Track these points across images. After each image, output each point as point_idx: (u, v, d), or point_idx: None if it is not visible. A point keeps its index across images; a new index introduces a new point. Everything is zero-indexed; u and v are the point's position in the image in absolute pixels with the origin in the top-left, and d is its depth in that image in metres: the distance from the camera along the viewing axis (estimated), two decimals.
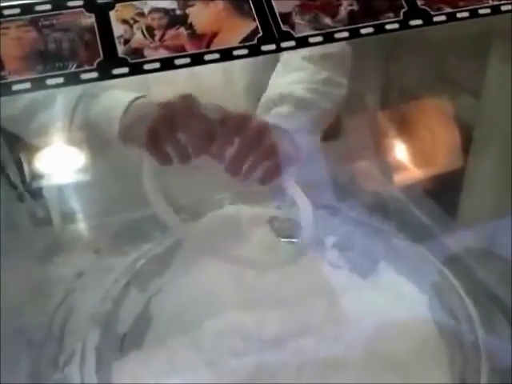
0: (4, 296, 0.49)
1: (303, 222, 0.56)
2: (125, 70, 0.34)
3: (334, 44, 0.65)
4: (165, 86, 0.65)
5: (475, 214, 0.65)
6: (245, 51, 0.36)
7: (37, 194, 0.68)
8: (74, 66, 0.34)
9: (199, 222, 0.64)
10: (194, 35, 0.36)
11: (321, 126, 0.65)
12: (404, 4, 0.41)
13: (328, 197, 0.63)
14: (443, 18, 0.41)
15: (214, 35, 0.36)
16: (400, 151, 0.71)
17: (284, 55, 0.67)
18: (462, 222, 0.66)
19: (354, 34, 0.39)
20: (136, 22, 0.36)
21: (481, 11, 0.42)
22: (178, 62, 0.35)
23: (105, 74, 0.34)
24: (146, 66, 0.35)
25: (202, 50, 0.36)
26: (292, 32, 0.38)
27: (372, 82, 0.77)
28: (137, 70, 0.34)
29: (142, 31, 0.35)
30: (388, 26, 0.40)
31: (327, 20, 0.39)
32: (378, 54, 0.76)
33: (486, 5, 0.42)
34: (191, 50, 0.35)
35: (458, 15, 0.41)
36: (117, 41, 0.35)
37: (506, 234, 0.55)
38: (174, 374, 0.48)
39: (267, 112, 0.61)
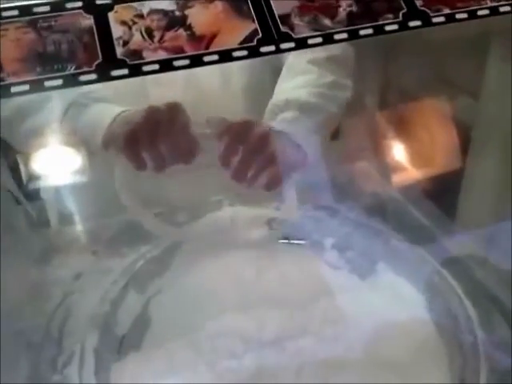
0: (2, 298, 0.49)
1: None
2: (124, 71, 0.34)
3: (337, 46, 0.66)
4: (163, 88, 0.65)
5: (474, 214, 0.66)
6: (244, 53, 0.36)
7: (34, 196, 0.68)
8: (73, 67, 0.34)
9: (198, 224, 0.64)
10: (193, 37, 0.36)
11: (327, 129, 0.65)
12: (403, 5, 0.41)
13: (327, 198, 0.63)
14: (442, 19, 0.41)
15: (214, 36, 0.36)
16: (399, 152, 0.71)
17: (289, 59, 0.67)
18: (460, 222, 0.67)
19: (354, 35, 0.39)
20: (135, 23, 0.36)
21: (479, 12, 0.42)
22: (177, 63, 0.35)
23: (104, 75, 0.34)
24: (145, 68, 0.35)
25: (201, 52, 0.36)
26: (291, 33, 0.37)
27: (371, 83, 0.78)
28: (136, 71, 0.34)
29: (141, 33, 0.35)
30: (387, 27, 0.40)
31: (326, 21, 0.39)
32: (376, 55, 0.76)
33: (485, 6, 0.42)
34: (190, 52, 0.35)
35: (457, 16, 0.41)
36: (116, 42, 0.35)
37: (505, 235, 0.55)
38: (173, 376, 0.48)
39: (274, 118, 0.61)
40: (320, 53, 0.65)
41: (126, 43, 0.35)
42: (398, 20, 0.40)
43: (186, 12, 0.37)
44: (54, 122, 0.58)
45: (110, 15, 0.36)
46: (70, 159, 0.59)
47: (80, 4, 0.35)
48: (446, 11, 0.41)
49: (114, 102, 0.60)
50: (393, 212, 0.66)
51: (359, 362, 0.49)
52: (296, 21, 0.38)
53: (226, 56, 0.36)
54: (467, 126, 0.66)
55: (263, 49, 0.37)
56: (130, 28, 0.35)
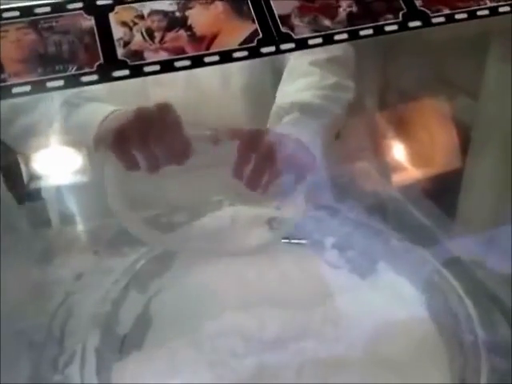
0: (4, 298, 0.49)
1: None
2: (125, 72, 0.34)
3: (338, 46, 0.66)
4: (162, 88, 0.65)
5: (474, 214, 0.66)
6: (245, 53, 0.36)
7: (35, 196, 0.68)
8: (74, 68, 0.34)
9: (199, 224, 0.64)
10: (194, 37, 0.36)
11: (333, 131, 0.65)
12: (403, 6, 0.41)
13: (327, 197, 0.63)
14: (442, 19, 0.41)
15: (214, 37, 0.36)
16: (399, 152, 0.71)
17: (290, 61, 0.67)
18: (460, 222, 0.67)
19: (354, 35, 0.39)
20: (135, 24, 0.36)
21: (479, 13, 0.42)
22: (177, 64, 0.35)
23: (105, 76, 0.34)
24: (146, 69, 0.35)
25: (201, 52, 0.36)
26: (292, 34, 0.38)
27: (371, 84, 0.78)
28: (137, 72, 0.34)
29: (142, 33, 0.35)
30: (387, 28, 0.40)
31: (326, 22, 0.39)
32: (376, 55, 0.76)
33: (484, 6, 0.42)
34: (191, 53, 0.35)
35: (457, 16, 0.41)
36: (116, 43, 0.35)
37: (505, 235, 0.55)
38: (174, 375, 0.48)
39: (279, 120, 0.61)
40: (321, 54, 0.65)
41: (126, 44, 0.35)
42: (397, 20, 0.40)
43: (187, 13, 0.37)
44: (46, 122, 0.58)
45: (111, 16, 0.36)
46: (66, 159, 0.59)
47: (81, 5, 0.36)
48: (446, 11, 0.41)
49: (106, 101, 0.60)
50: (393, 212, 0.67)
51: (359, 362, 0.49)
52: (296, 21, 0.38)
53: (226, 57, 0.36)
54: (467, 126, 0.66)
55: (263, 49, 0.37)
56: (130, 29, 0.35)
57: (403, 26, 0.40)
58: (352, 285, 0.59)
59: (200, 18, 0.37)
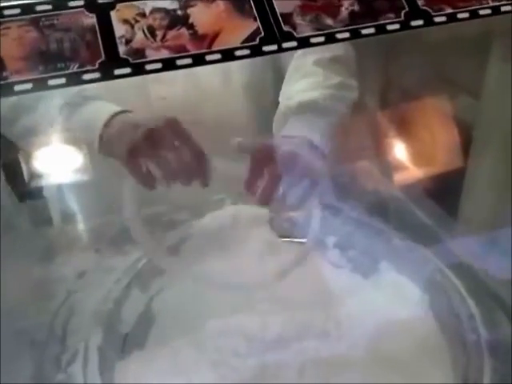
0: (6, 296, 0.49)
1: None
2: (127, 70, 0.34)
3: (340, 46, 0.65)
4: (163, 86, 0.65)
5: (475, 213, 0.65)
6: (246, 51, 0.36)
7: (37, 195, 0.68)
8: (76, 66, 0.34)
9: (200, 222, 0.64)
10: (196, 35, 0.36)
11: (338, 130, 0.65)
12: (405, 4, 0.41)
13: (329, 197, 0.63)
14: (444, 18, 0.41)
15: (216, 35, 0.36)
16: (400, 151, 0.71)
17: (293, 61, 0.67)
18: (462, 221, 0.66)
19: (355, 34, 0.39)
20: (137, 22, 0.36)
21: (481, 12, 0.42)
22: (179, 62, 0.35)
23: (107, 74, 0.34)
24: (148, 67, 0.35)
25: (203, 51, 0.36)
26: (293, 32, 0.38)
27: (372, 82, 0.77)
28: (138, 70, 0.34)
29: (144, 31, 0.36)
30: (389, 27, 0.40)
31: (328, 20, 0.39)
32: (377, 54, 0.76)
33: (486, 5, 0.42)
34: (193, 51, 0.35)
35: (459, 16, 0.41)
36: (118, 41, 0.35)
37: (507, 234, 0.55)
38: (176, 374, 0.48)
39: (286, 121, 0.61)
40: (324, 54, 0.65)
41: (128, 42, 0.35)
42: (399, 19, 0.40)
43: (188, 11, 0.37)
44: (48, 121, 0.58)
45: (113, 14, 0.36)
46: (67, 158, 0.59)
47: (82, 2, 0.36)
48: (448, 11, 0.41)
49: (108, 100, 0.60)
50: (395, 211, 0.66)
51: (362, 361, 0.49)
52: (298, 20, 0.38)
53: (228, 55, 0.36)
54: (468, 126, 0.66)
55: (265, 48, 0.37)
56: (132, 27, 0.35)
57: (405, 25, 0.40)
58: (354, 284, 0.59)
59: (202, 16, 0.37)
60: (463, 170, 0.67)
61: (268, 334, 0.51)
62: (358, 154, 0.74)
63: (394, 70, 0.76)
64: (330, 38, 0.39)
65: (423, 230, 0.63)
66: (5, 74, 0.32)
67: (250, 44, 0.37)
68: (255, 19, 0.37)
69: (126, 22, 0.35)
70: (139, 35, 0.35)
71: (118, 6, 0.36)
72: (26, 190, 0.64)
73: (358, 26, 0.39)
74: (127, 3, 0.36)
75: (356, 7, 0.40)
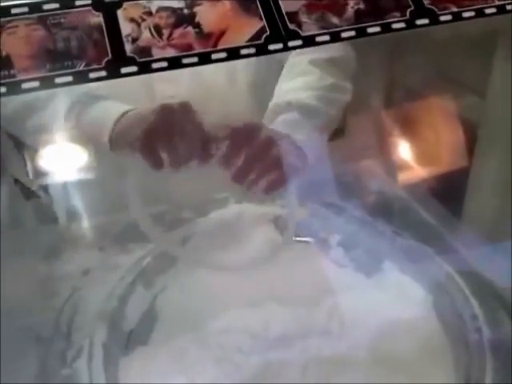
0: (12, 293, 0.49)
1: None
2: (133, 68, 0.34)
3: (339, 48, 0.65)
4: (169, 85, 0.65)
5: (480, 213, 0.65)
6: (252, 50, 0.36)
7: (42, 193, 0.68)
8: (83, 64, 0.34)
9: (204, 221, 0.64)
10: (202, 34, 0.36)
11: (326, 132, 0.65)
12: (410, 3, 0.41)
13: (333, 196, 0.63)
14: (449, 17, 0.41)
15: (222, 34, 0.36)
16: (404, 151, 0.71)
17: (290, 59, 0.67)
18: (466, 221, 0.66)
19: (361, 33, 0.39)
20: (144, 20, 0.36)
21: (487, 11, 0.42)
22: (185, 60, 0.35)
23: (113, 72, 0.34)
24: (154, 65, 0.35)
25: (209, 49, 0.36)
26: (299, 31, 0.38)
27: (377, 81, 0.77)
28: (145, 68, 0.35)
29: (150, 30, 0.36)
30: (394, 25, 0.40)
31: (334, 19, 0.39)
32: (382, 53, 0.76)
33: (492, 4, 0.42)
34: (199, 49, 0.36)
35: (464, 15, 0.41)
36: (125, 39, 0.35)
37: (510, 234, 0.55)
38: (180, 371, 0.49)
39: (274, 118, 0.61)
40: (321, 54, 0.65)
41: (134, 40, 0.35)
42: (405, 18, 0.40)
43: (195, 9, 0.37)
44: (58, 120, 0.58)
45: (119, 12, 0.36)
46: (76, 156, 0.60)
47: (89, 1, 0.36)
48: (454, 9, 0.41)
49: (115, 99, 0.60)
50: (399, 210, 0.66)
51: (364, 360, 0.49)
52: (304, 19, 0.38)
53: (233, 53, 0.36)
54: (473, 125, 0.66)
55: (271, 46, 0.37)
56: (138, 25, 0.36)
57: (411, 24, 0.40)
58: (357, 283, 0.59)
59: (208, 14, 0.37)
60: (468, 170, 0.67)
61: (271, 332, 0.51)
62: (363, 153, 0.74)
63: (398, 69, 0.76)
64: (336, 37, 0.39)
65: (427, 229, 0.63)
66: (12, 72, 0.33)
67: (256, 43, 0.37)
68: (261, 18, 0.38)
69: (132, 20, 0.36)
70: (145, 34, 0.35)
71: (125, 4, 0.36)
72: (31, 188, 0.65)
73: (363, 25, 0.39)
74: (134, 2, 0.36)
75: (362, 6, 0.40)
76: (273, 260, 0.58)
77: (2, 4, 0.34)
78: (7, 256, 0.52)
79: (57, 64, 0.34)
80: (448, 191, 0.67)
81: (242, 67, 0.69)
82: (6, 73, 0.33)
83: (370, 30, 0.39)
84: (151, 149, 0.52)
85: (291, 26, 0.38)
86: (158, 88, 0.66)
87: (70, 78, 0.33)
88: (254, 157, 0.54)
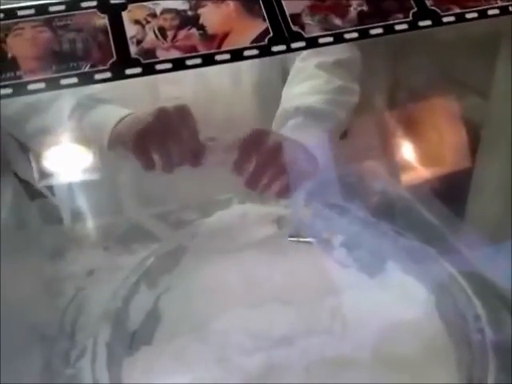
0: (16, 293, 0.50)
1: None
2: (137, 70, 0.35)
3: (345, 49, 0.66)
4: (173, 87, 0.66)
5: (483, 214, 0.65)
6: (255, 52, 0.37)
7: (47, 193, 0.69)
8: (88, 66, 0.34)
9: (208, 221, 0.64)
10: (206, 36, 0.36)
11: (336, 135, 0.65)
12: (413, 5, 0.41)
13: (336, 196, 0.63)
14: (452, 18, 0.41)
15: (225, 36, 0.37)
16: (408, 151, 0.71)
17: (296, 64, 0.67)
18: (469, 222, 0.66)
19: (364, 34, 0.39)
20: (148, 22, 0.36)
21: (490, 12, 0.42)
22: (189, 62, 0.36)
23: (118, 74, 0.34)
24: (158, 67, 0.35)
25: (213, 51, 0.36)
26: (302, 32, 0.38)
27: (380, 82, 0.78)
28: (149, 70, 0.35)
29: (155, 32, 0.36)
30: (397, 27, 0.40)
31: (337, 21, 0.39)
32: (386, 54, 0.76)
33: (495, 5, 0.42)
34: (203, 51, 0.36)
35: (467, 16, 0.41)
36: (129, 41, 0.35)
37: None
38: (183, 371, 0.49)
39: (284, 123, 0.62)
40: (327, 57, 0.65)
41: (139, 42, 0.35)
42: (408, 19, 0.40)
43: (199, 11, 0.37)
44: (61, 123, 0.58)
45: (124, 14, 0.36)
46: (80, 158, 0.60)
47: (95, 3, 0.36)
48: (456, 11, 0.41)
49: (118, 101, 0.61)
50: (402, 211, 0.67)
51: (367, 360, 0.49)
52: (307, 20, 0.38)
53: (237, 55, 0.36)
54: (476, 126, 0.66)
55: (274, 48, 0.37)
56: (143, 27, 0.36)
57: (413, 25, 0.40)
58: (360, 284, 0.59)
59: (212, 16, 0.37)
60: (471, 171, 0.67)
61: (274, 333, 0.51)
62: (366, 153, 0.74)
63: (402, 70, 0.76)
64: (339, 38, 0.39)
65: (430, 230, 0.63)
66: (18, 73, 0.33)
67: (259, 44, 0.37)
68: (264, 19, 0.38)
69: (137, 22, 0.36)
70: (150, 36, 0.36)
71: (130, 6, 0.36)
72: (37, 189, 0.65)
73: (366, 27, 0.39)
74: (139, 4, 0.36)
75: (365, 7, 0.40)
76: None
77: (9, 6, 0.35)
78: (12, 256, 0.52)
79: (62, 65, 0.34)
80: (451, 192, 0.67)
81: (246, 69, 0.70)
82: (12, 74, 0.33)
83: (372, 32, 0.39)
84: (143, 150, 0.53)
85: (294, 28, 0.38)
86: (162, 90, 0.66)
87: (75, 80, 0.34)
88: (266, 162, 0.54)
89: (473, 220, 0.65)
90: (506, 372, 0.46)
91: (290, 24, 0.38)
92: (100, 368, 0.47)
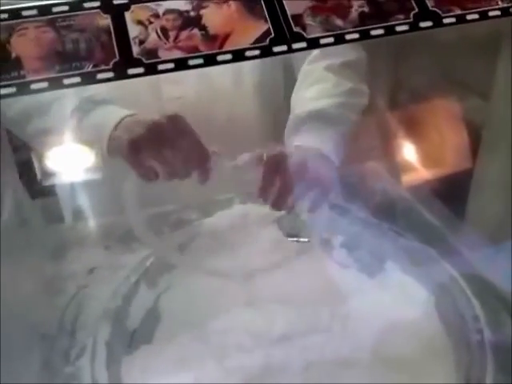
0: (17, 291, 0.50)
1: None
2: (140, 70, 0.35)
3: (351, 50, 0.66)
4: (176, 86, 0.66)
5: (483, 215, 0.65)
6: (257, 52, 0.37)
7: (49, 192, 0.69)
8: (91, 65, 0.34)
9: (209, 221, 0.64)
10: (208, 36, 0.37)
11: (349, 137, 0.65)
12: (414, 6, 0.41)
13: (337, 197, 0.63)
14: (453, 19, 0.41)
15: (227, 36, 0.37)
16: (409, 152, 0.71)
17: (304, 67, 0.67)
18: (469, 223, 0.66)
19: (365, 35, 0.39)
20: (151, 23, 0.36)
21: (490, 13, 0.42)
22: (191, 62, 0.36)
23: (120, 73, 0.34)
24: (161, 67, 0.35)
25: (215, 51, 0.36)
26: (303, 33, 0.38)
27: (381, 83, 0.78)
28: (151, 70, 0.35)
29: (157, 32, 0.36)
30: (398, 28, 0.40)
31: (338, 21, 0.39)
32: (387, 55, 0.76)
33: (496, 7, 0.42)
34: (204, 51, 0.36)
35: (468, 17, 0.42)
36: (132, 41, 0.35)
37: None
38: (182, 370, 0.49)
39: (297, 130, 0.62)
40: (335, 59, 0.65)
41: (142, 42, 0.35)
42: (409, 20, 0.40)
43: (201, 12, 0.37)
44: (60, 124, 0.58)
45: (127, 15, 0.36)
46: (79, 158, 0.60)
47: (98, 4, 0.36)
48: (457, 12, 0.41)
49: (119, 101, 0.61)
50: (402, 211, 0.67)
51: (366, 360, 0.49)
52: (308, 21, 0.39)
53: (239, 55, 0.37)
54: (477, 127, 0.66)
55: (276, 48, 0.37)
56: (146, 27, 0.36)
57: (414, 26, 0.40)
58: (360, 284, 0.59)
59: (214, 17, 0.37)
60: (471, 172, 0.67)
61: (273, 332, 0.52)
62: (367, 154, 0.74)
63: (403, 72, 0.76)
64: (340, 39, 0.39)
65: (430, 230, 0.63)
66: (22, 72, 0.33)
67: (261, 45, 0.37)
68: (266, 20, 0.38)
69: (139, 22, 0.36)
70: (152, 36, 0.36)
71: (133, 7, 0.36)
72: (38, 188, 0.65)
73: (367, 27, 0.40)
74: (141, 4, 0.37)
75: (366, 8, 0.40)
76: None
77: (13, 6, 0.35)
78: (13, 254, 0.52)
79: (65, 65, 0.34)
80: (451, 193, 0.67)
81: (248, 69, 0.70)
82: (16, 74, 0.33)
83: (373, 33, 0.39)
84: (142, 163, 0.53)
85: (296, 29, 0.38)
86: (165, 89, 0.66)
87: (78, 79, 0.34)
88: (289, 184, 0.55)
89: (473, 221, 0.66)
90: (504, 372, 0.46)
91: (292, 25, 0.38)
92: (99, 367, 0.47)
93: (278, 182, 0.55)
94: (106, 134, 0.57)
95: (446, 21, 0.41)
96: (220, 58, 0.36)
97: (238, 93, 0.70)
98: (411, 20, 0.40)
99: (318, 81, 0.65)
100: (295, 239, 0.65)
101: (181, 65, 0.36)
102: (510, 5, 0.43)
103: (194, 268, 0.59)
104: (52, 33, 0.35)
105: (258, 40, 0.37)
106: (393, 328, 0.52)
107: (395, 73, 0.77)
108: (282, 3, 0.39)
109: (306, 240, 0.64)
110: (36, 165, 0.62)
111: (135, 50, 0.35)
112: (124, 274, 0.58)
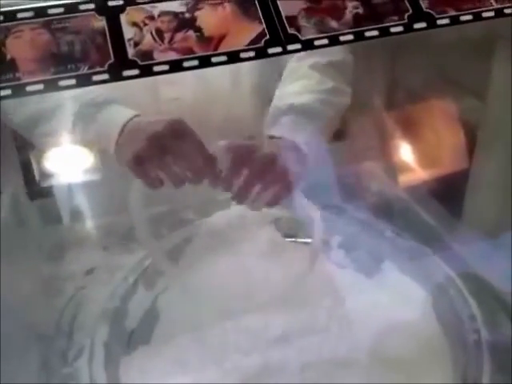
0: (15, 292, 0.50)
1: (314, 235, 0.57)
2: (135, 71, 0.35)
3: (338, 52, 0.66)
4: (173, 87, 0.66)
5: (480, 215, 0.66)
6: (252, 54, 0.37)
7: (47, 193, 0.69)
8: (86, 67, 0.35)
9: (206, 222, 0.65)
10: (202, 38, 0.37)
11: (326, 134, 0.66)
12: (409, 7, 0.41)
13: (334, 197, 0.64)
14: (447, 21, 0.41)
15: (222, 38, 0.37)
16: (405, 152, 0.72)
17: (289, 64, 0.68)
18: (466, 222, 0.67)
19: (359, 36, 0.39)
20: (146, 24, 0.37)
21: (484, 14, 0.42)
22: (186, 64, 0.36)
23: (115, 75, 0.35)
24: (156, 68, 0.35)
25: (209, 53, 0.36)
26: (298, 35, 0.38)
27: (377, 84, 0.78)
28: (146, 71, 0.35)
29: (152, 34, 0.36)
30: (392, 29, 0.40)
31: (333, 23, 0.39)
32: (383, 55, 0.77)
33: (490, 8, 0.43)
34: (199, 53, 0.36)
35: (462, 18, 0.42)
36: (127, 43, 0.36)
37: (510, 235, 0.55)
38: (180, 370, 0.49)
39: (276, 121, 0.62)
40: (321, 58, 0.66)
41: (137, 44, 0.36)
42: (403, 22, 0.41)
43: (196, 14, 0.38)
44: (64, 128, 0.59)
45: (122, 17, 0.36)
46: (80, 158, 0.60)
47: (93, 6, 0.36)
48: (451, 13, 0.42)
49: (122, 102, 0.61)
50: (399, 212, 0.67)
51: (364, 360, 0.49)
52: (303, 23, 0.39)
53: (233, 57, 0.37)
54: (473, 127, 0.67)
55: (270, 50, 0.37)
56: (141, 29, 0.36)
57: (408, 28, 0.41)
58: (358, 284, 0.59)
59: (208, 18, 0.38)
60: (468, 172, 0.68)
61: (271, 333, 0.52)
62: (363, 154, 0.74)
63: (399, 72, 0.77)
64: (334, 41, 0.39)
65: (427, 230, 0.64)
66: (17, 74, 0.33)
67: (256, 46, 0.37)
68: (261, 22, 0.38)
69: (134, 24, 0.36)
70: (147, 38, 0.36)
71: (128, 9, 0.36)
72: (37, 189, 0.66)
73: (361, 29, 0.40)
74: (136, 6, 0.37)
75: (360, 10, 0.41)
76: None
77: (8, 8, 0.35)
78: (11, 255, 0.52)
79: (61, 67, 0.34)
80: (448, 193, 0.67)
81: (245, 70, 0.70)
82: (11, 76, 0.33)
83: (368, 34, 0.39)
84: (144, 172, 0.53)
85: (290, 30, 0.38)
86: (162, 90, 0.67)
87: (73, 81, 0.34)
88: (253, 174, 0.55)
89: (469, 221, 0.66)
90: (500, 372, 0.46)
91: (287, 26, 0.38)
92: (97, 367, 0.47)
93: (243, 172, 0.55)
94: (113, 140, 0.56)
95: (440, 22, 0.41)
96: (215, 59, 0.36)
97: (235, 94, 0.70)
98: (405, 21, 0.41)
99: (302, 77, 0.66)
100: (293, 240, 0.65)
101: (176, 66, 0.36)
102: (503, 6, 0.43)
103: (183, 277, 0.59)
104: (47, 35, 0.35)
105: (252, 42, 0.37)
106: (390, 328, 0.52)
107: (392, 73, 0.78)
108: (277, 5, 0.39)
109: (304, 240, 0.65)
110: (35, 166, 0.63)
111: (130, 51, 0.35)
112: (122, 274, 0.58)
